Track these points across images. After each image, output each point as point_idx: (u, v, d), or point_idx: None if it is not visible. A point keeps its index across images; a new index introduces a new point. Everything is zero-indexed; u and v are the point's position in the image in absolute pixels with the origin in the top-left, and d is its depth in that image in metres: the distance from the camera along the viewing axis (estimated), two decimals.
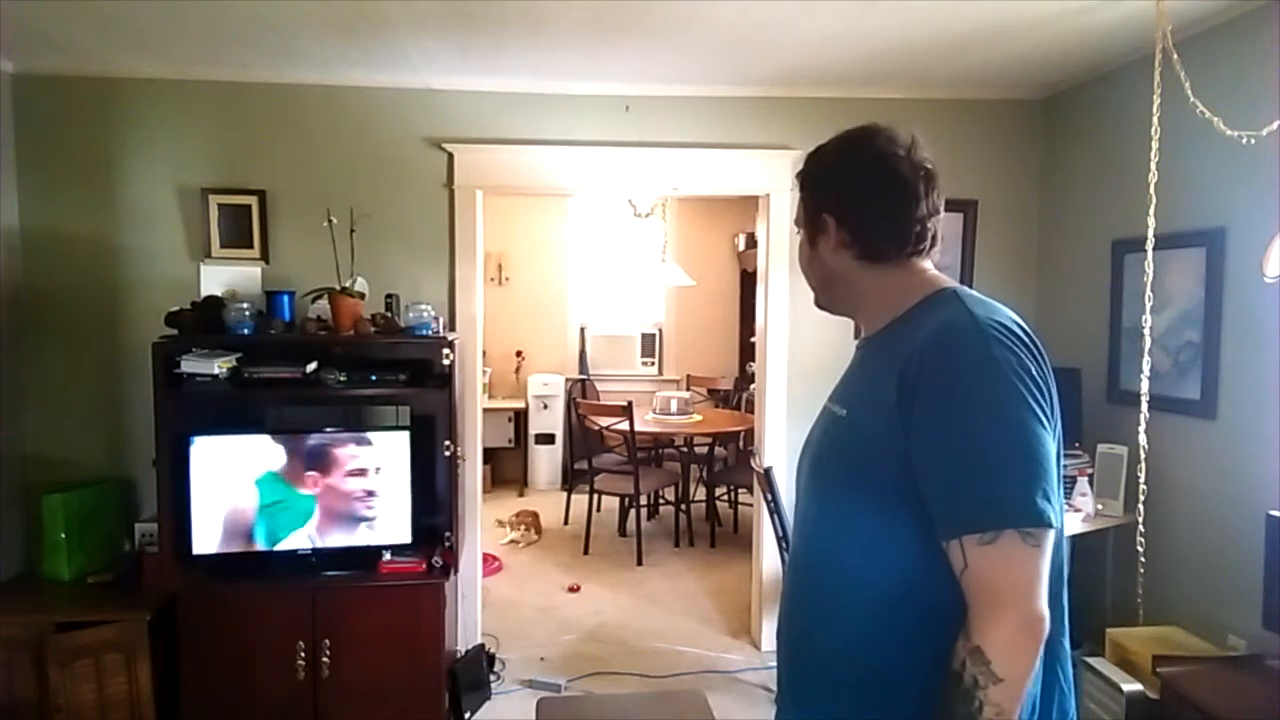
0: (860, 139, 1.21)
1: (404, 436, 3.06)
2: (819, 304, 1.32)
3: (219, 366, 2.91)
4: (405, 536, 3.05)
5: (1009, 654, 0.94)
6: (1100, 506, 3.08)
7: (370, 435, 3.07)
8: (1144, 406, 2.74)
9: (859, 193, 1.18)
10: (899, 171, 1.18)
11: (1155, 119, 2.62)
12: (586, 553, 5.14)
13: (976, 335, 1.02)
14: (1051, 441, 1.01)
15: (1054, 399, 1.05)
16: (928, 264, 1.25)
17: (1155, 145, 2.64)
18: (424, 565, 2.99)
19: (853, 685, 1.10)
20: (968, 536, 0.96)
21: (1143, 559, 2.78)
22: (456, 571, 3.21)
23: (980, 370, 0.99)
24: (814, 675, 1.16)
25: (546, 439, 6.73)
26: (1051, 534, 0.98)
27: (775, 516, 3.11)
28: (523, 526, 5.45)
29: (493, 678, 3.47)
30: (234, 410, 3.23)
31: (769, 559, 3.66)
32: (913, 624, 1.05)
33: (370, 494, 3.02)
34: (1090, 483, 3.08)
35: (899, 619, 1.06)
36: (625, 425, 4.98)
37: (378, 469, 3.03)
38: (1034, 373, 1.01)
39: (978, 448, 0.97)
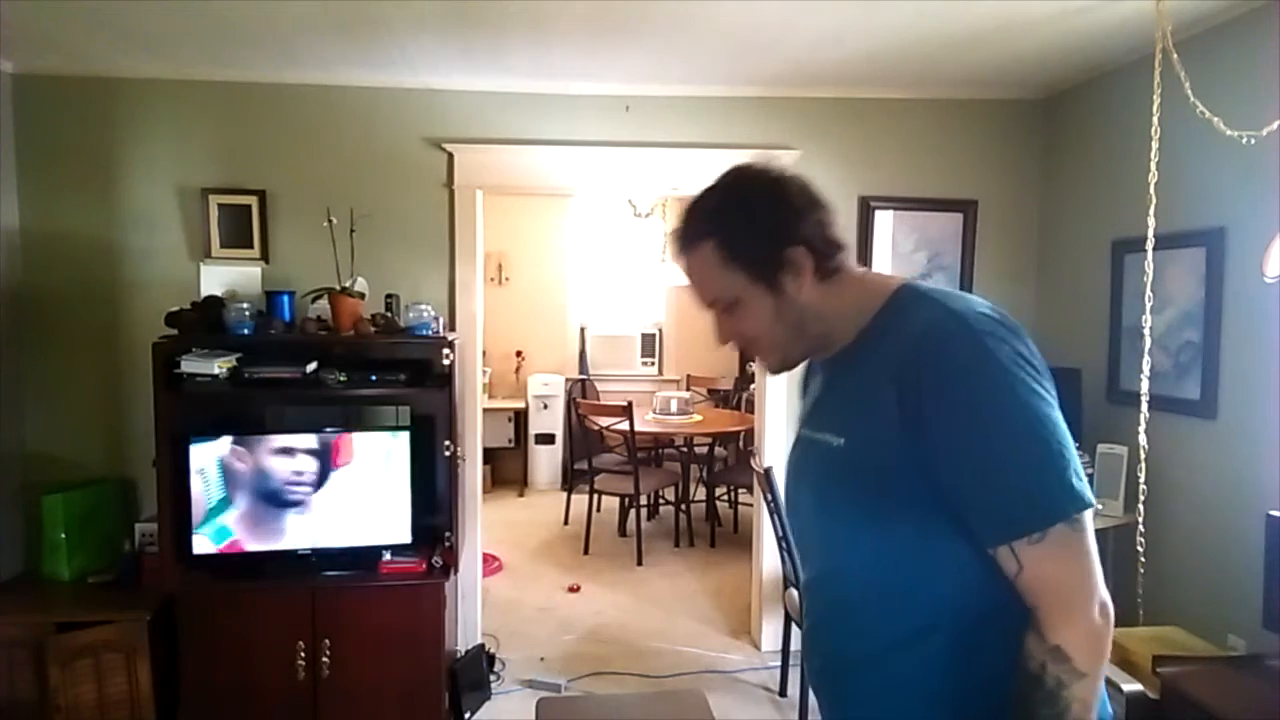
0: (747, 171, 1.12)
1: (404, 436, 3.06)
2: (787, 366, 1.18)
3: (219, 366, 2.91)
4: (405, 536, 3.05)
5: (1090, 648, 0.93)
6: (1100, 506, 3.08)
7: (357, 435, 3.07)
8: (1144, 406, 2.74)
9: (804, 209, 1.09)
10: (800, 179, 1.11)
11: (1155, 119, 2.61)
12: (586, 553, 5.14)
13: (966, 332, 0.98)
14: (1061, 418, 0.99)
15: (1049, 375, 1.02)
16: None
17: (1155, 145, 2.64)
18: (424, 565, 2.99)
19: (954, 707, 1.04)
20: (1016, 540, 0.94)
21: (1143, 559, 2.78)
22: (456, 571, 3.21)
23: (984, 369, 0.96)
24: (912, 712, 1.07)
25: (546, 439, 6.73)
26: (1091, 511, 0.97)
27: (775, 516, 3.11)
28: None
29: (493, 678, 3.47)
30: (234, 410, 3.23)
31: (769, 559, 3.66)
32: (991, 632, 1.01)
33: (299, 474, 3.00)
34: (1090, 483, 3.08)
35: (980, 632, 1.01)
36: (625, 425, 4.98)
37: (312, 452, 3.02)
38: (1027, 355, 0.99)
39: (1005, 450, 0.95)
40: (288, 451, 2.99)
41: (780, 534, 3.11)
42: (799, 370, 1.26)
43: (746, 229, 1.08)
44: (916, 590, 1.03)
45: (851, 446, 1.07)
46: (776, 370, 1.19)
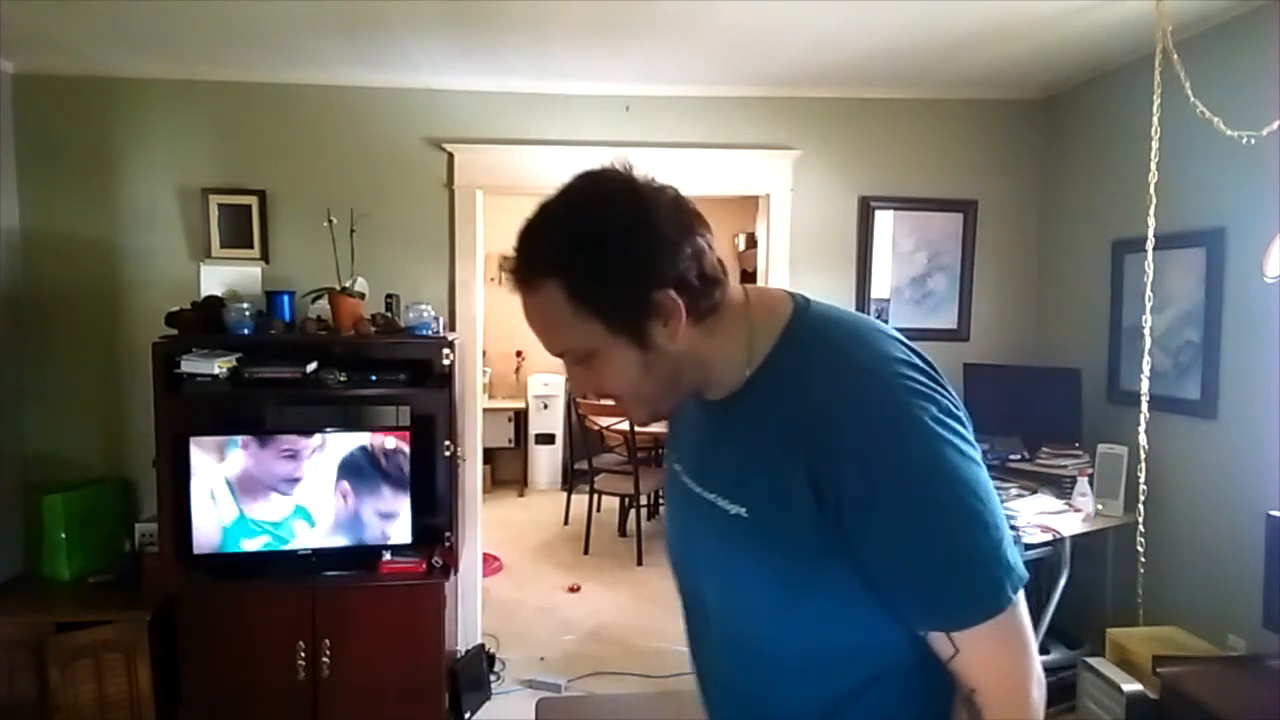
0: (604, 188, 0.89)
1: (404, 436, 3.06)
2: (658, 418, 1.01)
3: (219, 366, 2.90)
4: (405, 536, 3.05)
5: None
6: (1100, 506, 3.08)
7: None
8: (1144, 406, 2.74)
9: (676, 239, 0.88)
10: (671, 189, 0.91)
11: (1155, 119, 2.62)
12: (586, 553, 5.14)
13: (885, 397, 0.85)
14: (986, 474, 0.88)
15: (967, 417, 0.89)
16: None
17: (1155, 145, 2.64)
18: (424, 565, 2.99)
19: None
20: (946, 631, 0.86)
21: (1143, 559, 2.78)
22: (456, 571, 3.21)
23: (909, 442, 0.83)
24: None
25: (546, 439, 6.73)
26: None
27: None
28: None
29: (493, 678, 3.47)
30: (234, 410, 3.23)
31: None
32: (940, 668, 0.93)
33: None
34: (1090, 483, 3.08)
35: (931, 665, 0.91)
36: (625, 425, 4.98)
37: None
38: (948, 405, 0.86)
39: (940, 539, 0.83)
40: (291, 453, 3.00)
41: None
42: None
43: (603, 269, 0.85)
44: (860, 647, 0.92)
45: (757, 521, 0.90)
46: (645, 423, 1.03)
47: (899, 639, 0.90)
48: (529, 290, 0.88)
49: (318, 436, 3.01)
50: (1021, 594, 0.86)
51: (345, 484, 3.02)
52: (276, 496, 2.98)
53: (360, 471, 3.03)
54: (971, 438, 0.87)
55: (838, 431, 0.84)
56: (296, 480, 3.00)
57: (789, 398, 0.89)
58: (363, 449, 3.04)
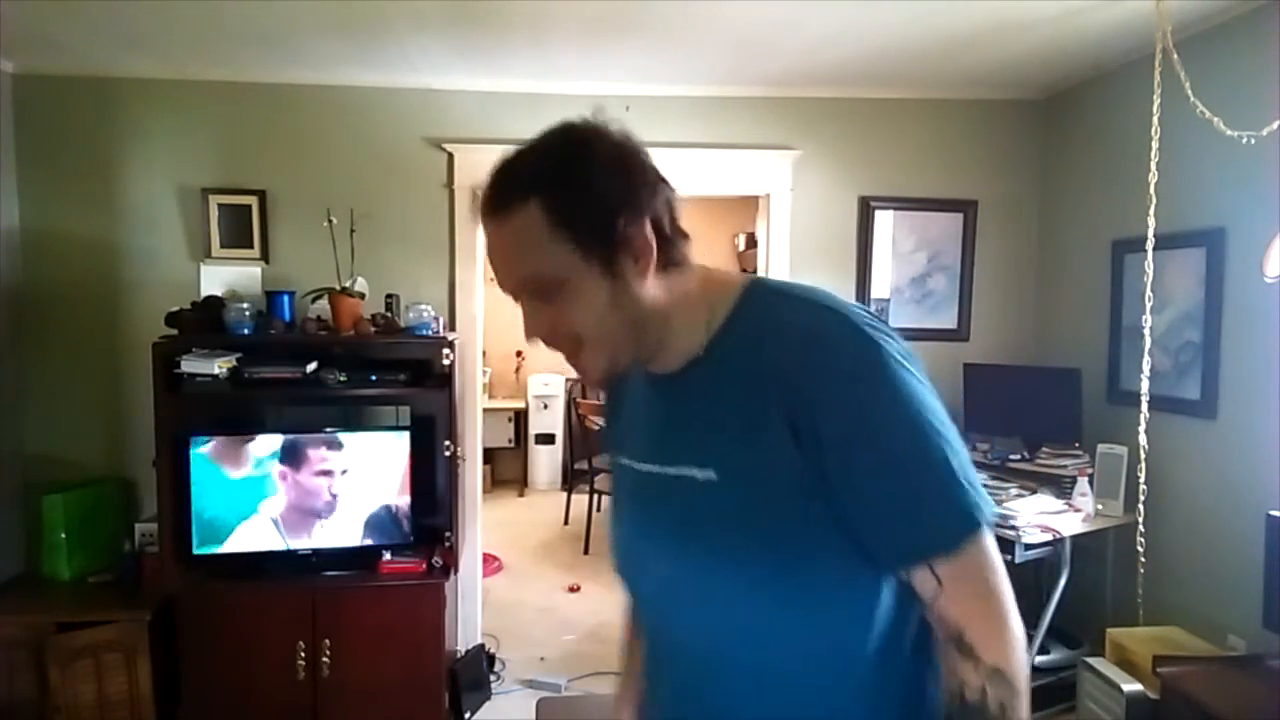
0: (584, 126, 0.91)
1: (404, 436, 3.06)
2: (613, 373, 0.95)
3: (219, 366, 2.91)
4: (405, 536, 3.05)
5: (1022, 662, 0.86)
6: (1100, 506, 3.08)
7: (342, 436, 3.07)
8: (1144, 406, 2.74)
9: (654, 181, 0.90)
10: (645, 149, 0.92)
11: (1155, 119, 2.62)
12: (586, 553, 5.14)
13: (855, 333, 0.87)
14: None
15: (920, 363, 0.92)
16: None
17: (1155, 145, 2.64)
18: (424, 565, 2.99)
19: None
20: (929, 559, 0.86)
21: (1143, 559, 2.78)
22: (456, 571, 3.21)
23: (881, 377, 0.85)
24: None
25: (546, 439, 6.73)
26: None
27: None
28: None
29: (493, 678, 3.47)
30: (234, 410, 3.23)
31: None
32: (898, 673, 0.93)
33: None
34: (1090, 483, 3.08)
35: (886, 674, 0.92)
36: None
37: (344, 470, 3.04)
38: (903, 348, 0.89)
39: (917, 463, 0.85)
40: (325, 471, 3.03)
41: None
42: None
43: (584, 190, 0.86)
44: (853, 638, 0.90)
45: (729, 481, 0.89)
46: (599, 378, 0.96)
47: (895, 620, 0.90)
48: (504, 215, 0.88)
49: (343, 452, 3.03)
50: (991, 536, 0.88)
51: (345, 483, 3.02)
52: (318, 523, 3.03)
53: (360, 471, 3.03)
54: (926, 379, 0.90)
55: (812, 366, 0.86)
56: (335, 499, 3.02)
57: (755, 349, 0.90)
58: (362, 449, 3.04)
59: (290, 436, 3.01)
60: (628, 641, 1.22)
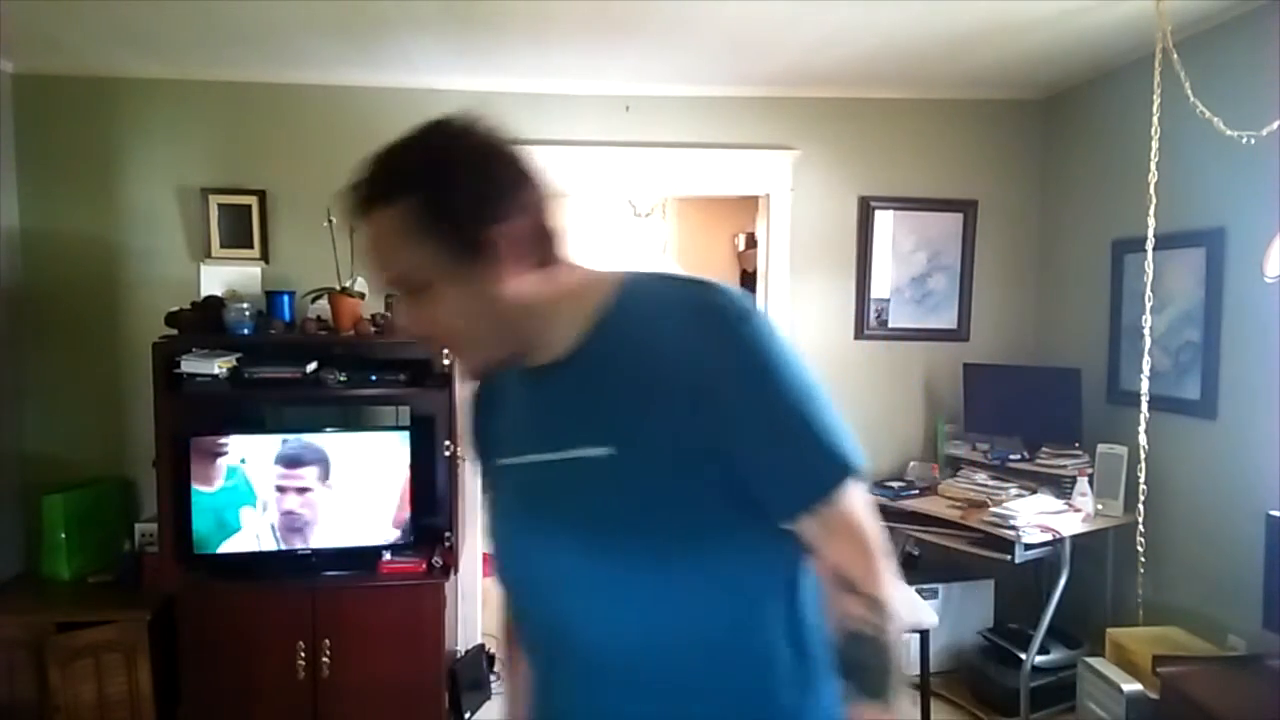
0: (453, 126, 0.92)
1: (404, 436, 3.06)
2: (488, 370, 1.00)
3: (219, 366, 2.90)
4: (405, 536, 3.05)
5: (892, 590, 0.95)
6: (1100, 506, 3.08)
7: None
8: (1144, 406, 2.74)
9: (520, 184, 0.92)
10: (519, 149, 0.94)
11: (1155, 119, 2.62)
12: None
13: (731, 305, 0.92)
14: None
15: None
16: None
17: (1155, 145, 2.64)
18: (424, 565, 2.99)
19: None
20: (819, 503, 0.92)
21: (1143, 559, 2.78)
22: (456, 571, 3.21)
23: (764, 343, 0.91)
24: None
25: None
26: None
27: None
28: None
29: (493, 678, 3.46)
30: (234, 410, 3.23)
31: None
32: (795, 644, 0.98)
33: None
34: (1090, 483, 3.08)
35: (783, 650, 0.98)
36: None
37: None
38: (774, 323, 0.96)
39: (801, 414, 0.91)
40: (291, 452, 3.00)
41: None
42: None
43: (450, 196, 0.88)
44: (748, 624, 0.96)
45: (628, 453, 0.91)
46: (475, 375, 1.02)
47: (791, 591, 0.98)
48: (376, 212, 0.90)
49: (315, 466, 3.02)
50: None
51: (345, 483, 3.02)
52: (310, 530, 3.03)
53: (360, 471, 3.03)
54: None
55: (700, 337, 0.90)
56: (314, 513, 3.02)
57: (643, 326, 0.93)
58: (362, 449, 3.04)
59: (285, 442, 3.02)
60: (509, 659, 1.20)
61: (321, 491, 3.00)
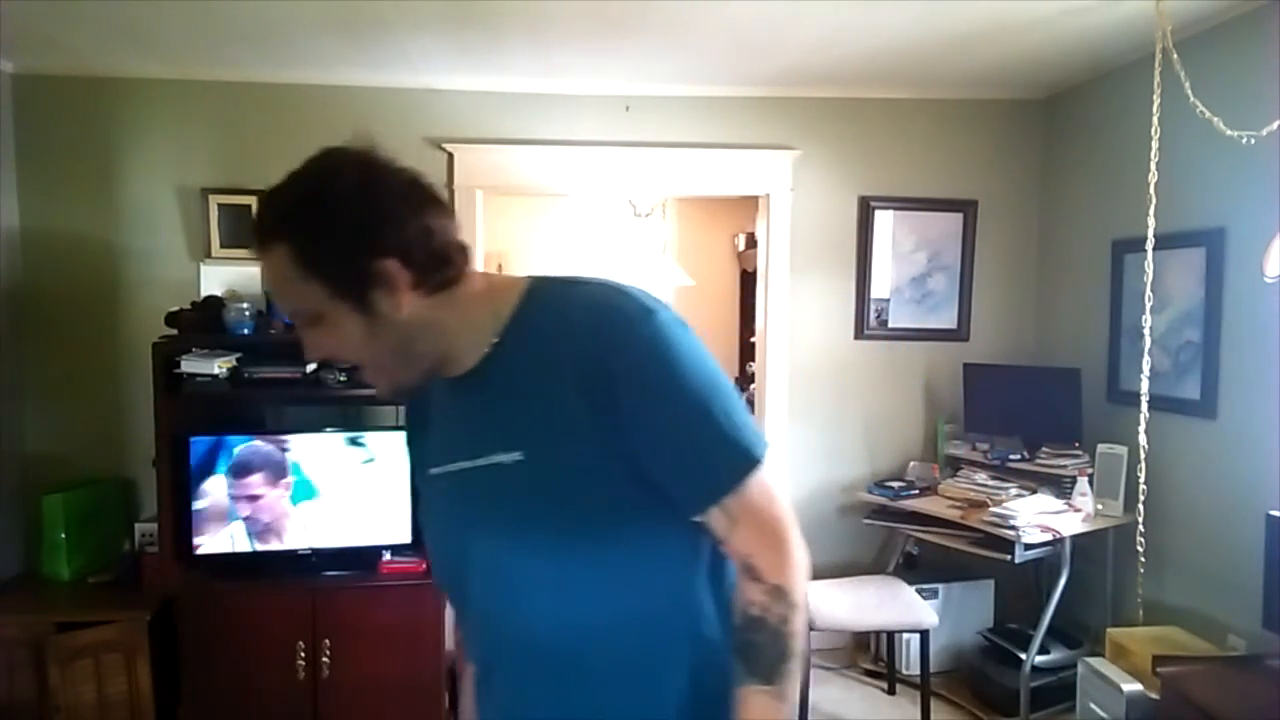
0: (335, 160, 0.95)
1: (404, 436, 3.06)
2: (403, 390, 1.02)
3: (219, 366, 2.90)
4: (405, 536, 3.05)
5: (800, 579, 0.96)
6: (1100, 506, 3.08)
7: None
8: (1144, 406, 2.74)
9: (400, 214, 0.94)
10: (410, 171, 0.99)
11: (1155, 119, 2.62)
12: None
13: (632, 304, 0.95)
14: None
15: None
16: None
17: (1155, 145, 2.64)
18: (424, 565, 2.99)
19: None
20: (723, 496, 0.94)
21: (1143, 559, 2.78)
22: None
23: (662, 338, 0.93)
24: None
25: None
26: None
27: None
28: None
29: None
30: (234, 410, 3.23)
31: None
32: (704, 625, 1.01)
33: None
34: (1090, 483, 3.08)
35: (701, 624, 1.01)
36: None
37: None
38: (679, 317, 0.98)
39: (703, 411, 0.93)
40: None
41: None
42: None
43: (325, 236, 0.90)
44: (678, 606, 1.00)
45: (535, 457, 0.95)
46: (389, 396, 1.03)
47: (703, 580, 1.00)
48: (263, 252, 0.93)
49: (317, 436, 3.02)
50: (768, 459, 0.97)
51: (345, 483, 3.02)
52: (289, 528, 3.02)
53: (361, 471, 3.03)
54: (698, 340, 0.99)
55: (605, 339, 0.93)
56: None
57: (546, 336, 0.96)
58: (362, 448, 3.04)
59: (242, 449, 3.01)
60: (463, 673, 1.22)
61: (278, 494, 3.01)
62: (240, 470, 2.97)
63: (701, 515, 0.96)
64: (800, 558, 0.96)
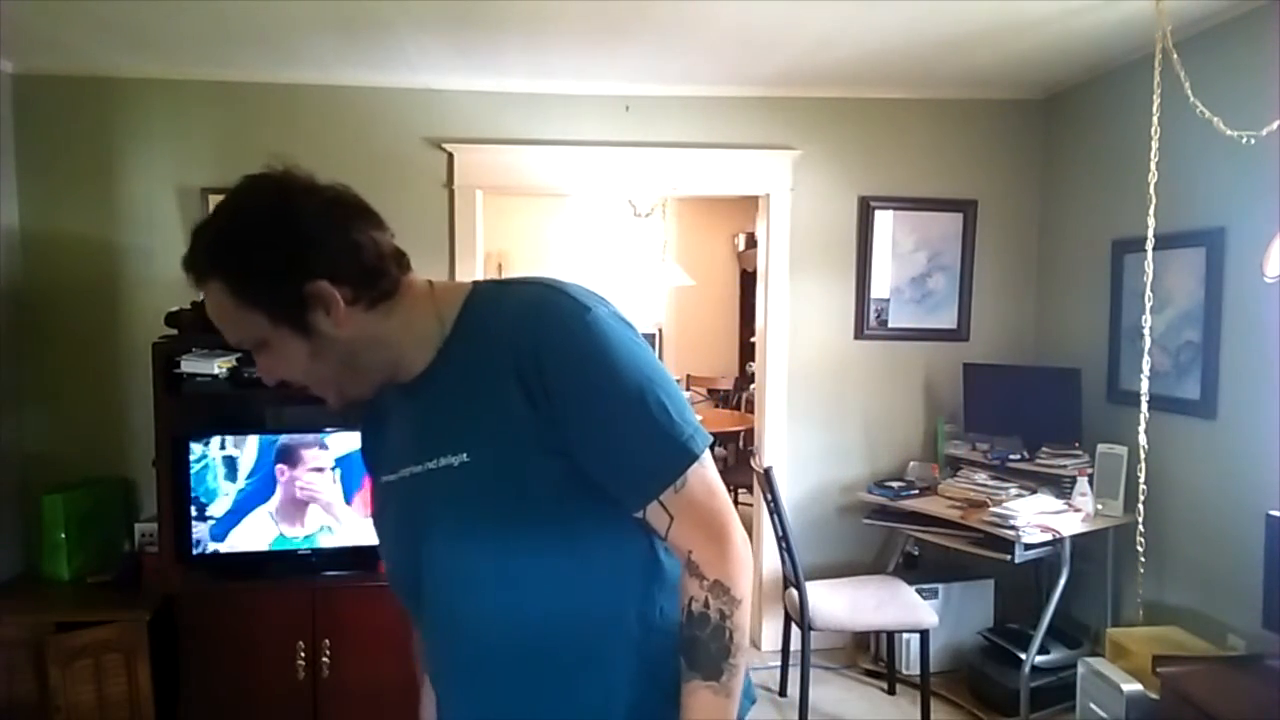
0: (254, 189, 0.98)
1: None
2: (355, 403, 1.04)
3: (219, 366, 2.90)
4: None
5: (741, 573, 0.96)
6: (1100, 506, 3.08)
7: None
8: (1144, 406, 2.74)
9: (322, 236, 0.94)
10: (332, 189, 0.99)
11: (1155, 119, 2.62)
12: None
13: (570, 301, 0.96)
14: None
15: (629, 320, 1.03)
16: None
17: (1155, 145, 2.64)
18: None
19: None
20: (660, 491, 0.94)
21: (1143, 559, 2.78)
22: None
23: (598, 333, 0.94)
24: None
25: None
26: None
27: (775, 516, 3.11)
28: None
29: None
30: (234, 410, 3.23)
31: (769, 559, 3.66)
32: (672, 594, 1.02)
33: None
34: (1090, 483, 3.08)
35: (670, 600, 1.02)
36: None
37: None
38: (614, 308, 1.00)
39: (638, 408, 0.93)
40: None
41: (780, 534, 3.11)
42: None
43: (251, 267, 0.92)
44: (628, 596, 1.01)
45: (480, 458, 0.96)
46: (340, 409, 1.05)
47: (648, 567, 1.01)
48: (200, 287, 0.96)
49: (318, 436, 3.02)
50: (708, 456, 0.98)
51: (345, 484, 3.02)
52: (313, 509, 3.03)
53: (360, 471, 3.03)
54: (643, 341, 1.00)
55: (538, 336, 0.94)
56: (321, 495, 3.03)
57: (485, 338, 0.97)
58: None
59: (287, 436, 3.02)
60: (422, 684, 1.24)
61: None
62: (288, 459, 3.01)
63: (641, 511, 0.96)
64: (743, 553, 0.96)
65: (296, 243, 0.93)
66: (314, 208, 0.95)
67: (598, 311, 0.96)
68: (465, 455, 0.96)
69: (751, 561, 0.99)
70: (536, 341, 0.93)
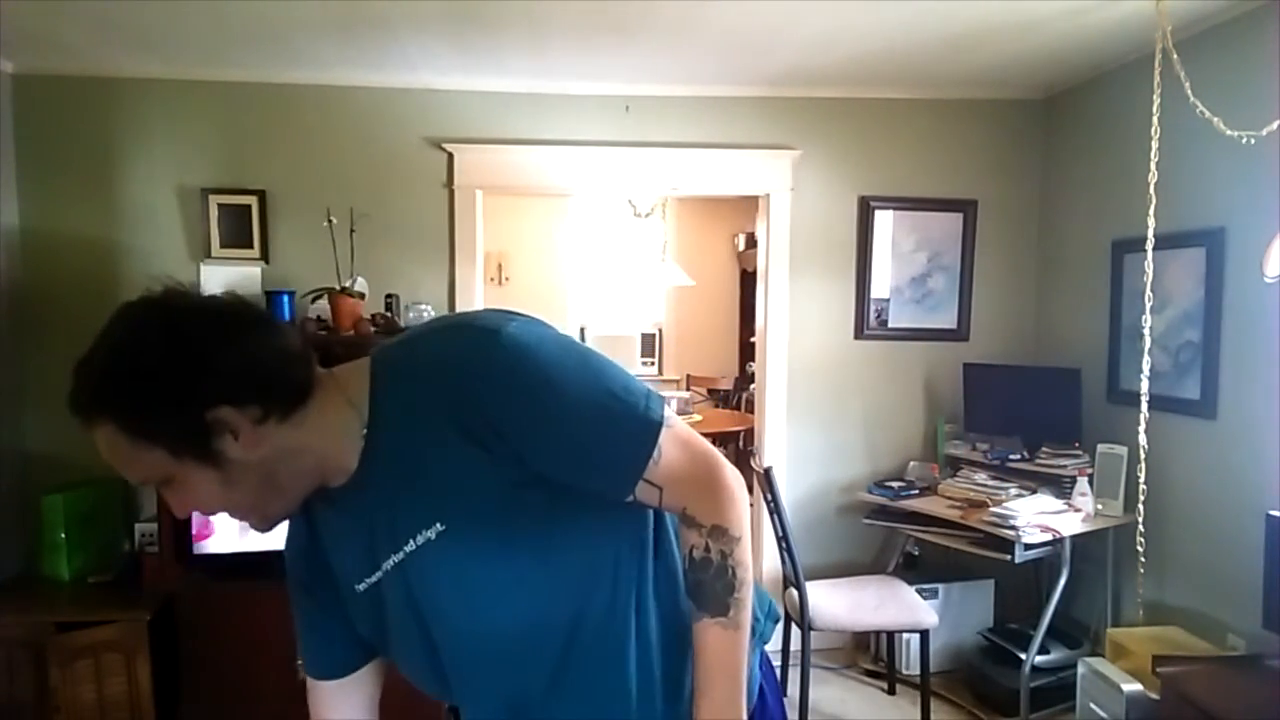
0: (132, 319, 0.91)
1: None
2: (281, 519, 1.00)
3: None
4: None
5: (738, 513, 0.97)
6: (1100, 506, 3.08)
7: None
8: (1144, 406, 2.74)
9: (215, 358, 0.87)
10: (218, 302, 0.92)
11: (1155, 119, 2.62)
12: None
13: (475, 334, 0.93)
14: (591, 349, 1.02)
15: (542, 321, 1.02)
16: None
17: (1155, 145, 2.64)
18: None
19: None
20: (640, 475, 0.94)
21: (1143, 559, 2.78)
22: None
23: (516, 350, 0.91)
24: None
25: None
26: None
27: (775, 516, 3.11)
28: None
29: None
30: None
31: (769, 559, 3.65)
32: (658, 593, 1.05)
33: None
34: (1090, 483, 3.08)
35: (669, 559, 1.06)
36: None
37: None
38: (525, 316, 0.98)
39: (588, 399, 0.92)
40: None
41: (780, 534, 3.11)
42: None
43: (144, 405, 0.86)
44: (641, 581, 1.03)
45: (456, 521, 0.94)
46: (267, 530, 1.01)
47: (637, 546, 1.02)
48: (89, 427, 0.89)
49: None
50: (670, 410, 0.98)
51: None
52: None
53: None
54: (558, 331, 0.98)
55: (461, 383, 0.91)
56: None
57: (409, 408, 0.93)
58: None
59: None
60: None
61: None
62: None
63: (630, 496, 0.97)
64: (735, 489, 0.98)
65: (189, 369, 0.86)
66: (203, 327, 0.88)
67: (507, 330, 0.92)
68: (439, 525, 0.94)
69: (746, 495, 1.00)
70: (466, 389, 0.90)
